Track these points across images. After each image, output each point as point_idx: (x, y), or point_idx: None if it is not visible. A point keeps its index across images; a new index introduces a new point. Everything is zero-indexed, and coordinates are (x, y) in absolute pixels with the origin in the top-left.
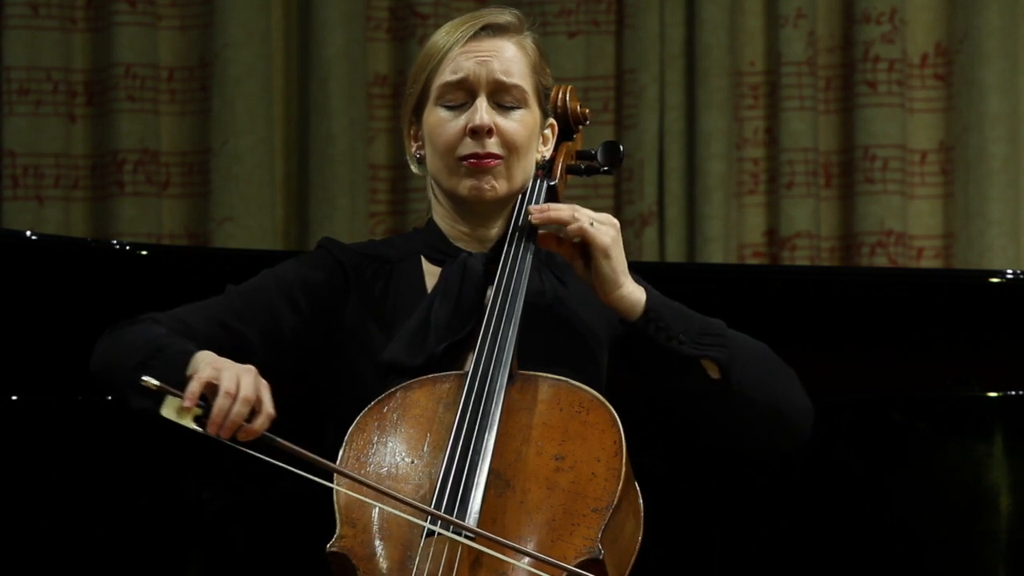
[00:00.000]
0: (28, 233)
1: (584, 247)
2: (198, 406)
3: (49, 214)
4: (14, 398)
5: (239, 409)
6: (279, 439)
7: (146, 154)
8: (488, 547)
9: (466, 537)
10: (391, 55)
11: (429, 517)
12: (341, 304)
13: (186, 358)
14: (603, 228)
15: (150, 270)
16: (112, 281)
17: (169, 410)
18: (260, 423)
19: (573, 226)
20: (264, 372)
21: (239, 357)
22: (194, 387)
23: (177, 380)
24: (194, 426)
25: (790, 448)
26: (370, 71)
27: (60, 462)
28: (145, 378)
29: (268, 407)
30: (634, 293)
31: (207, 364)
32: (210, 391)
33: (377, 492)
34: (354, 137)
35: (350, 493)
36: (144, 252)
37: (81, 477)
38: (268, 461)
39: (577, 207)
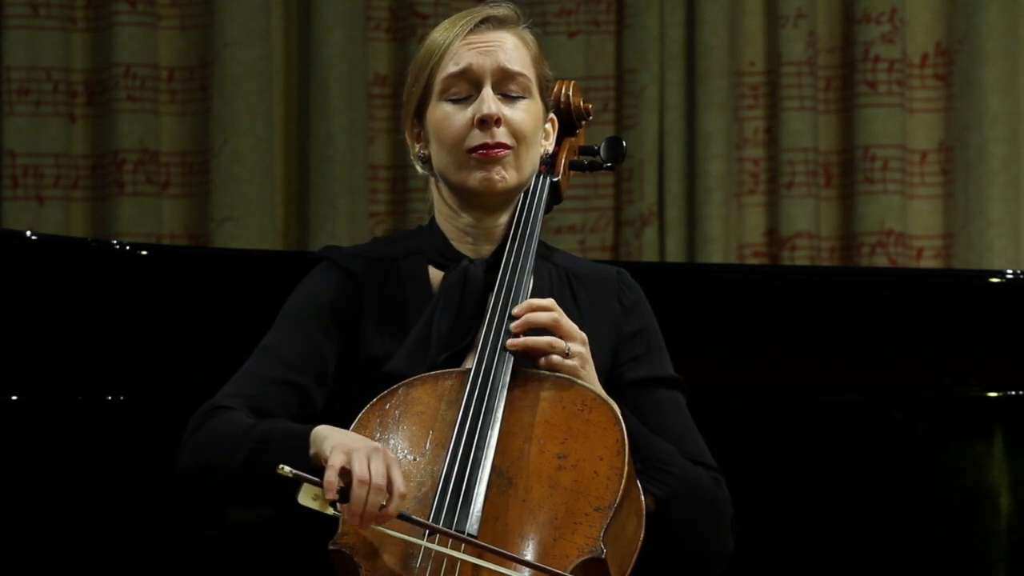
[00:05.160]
0: (28, 233)
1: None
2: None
3: (49, 214)
4: (14, 398)
5: (374, 499)
6: (415, 517)
7: (146, 154)
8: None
9: (465, 552)
10: (391, 55)
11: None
12: (357, 316)
13: (303, 440)
14: (575, 353)
15: (150, 270)
16: (112, 281)
17: (306, 498)
18: (395, 507)
19: (543, 361)
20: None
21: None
22: (331, 478)
23: (304, 464)
24: (334, 512)
25: None
26: (370, 71)
27: (60, 462)
28: (282, 467)
29: (400, 487)
30: None
31: (336, 448)
32: (344, 475)
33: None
34: (354, 137)
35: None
36: (144, 252)
37: (81, 477)
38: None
39: (553, 339)
